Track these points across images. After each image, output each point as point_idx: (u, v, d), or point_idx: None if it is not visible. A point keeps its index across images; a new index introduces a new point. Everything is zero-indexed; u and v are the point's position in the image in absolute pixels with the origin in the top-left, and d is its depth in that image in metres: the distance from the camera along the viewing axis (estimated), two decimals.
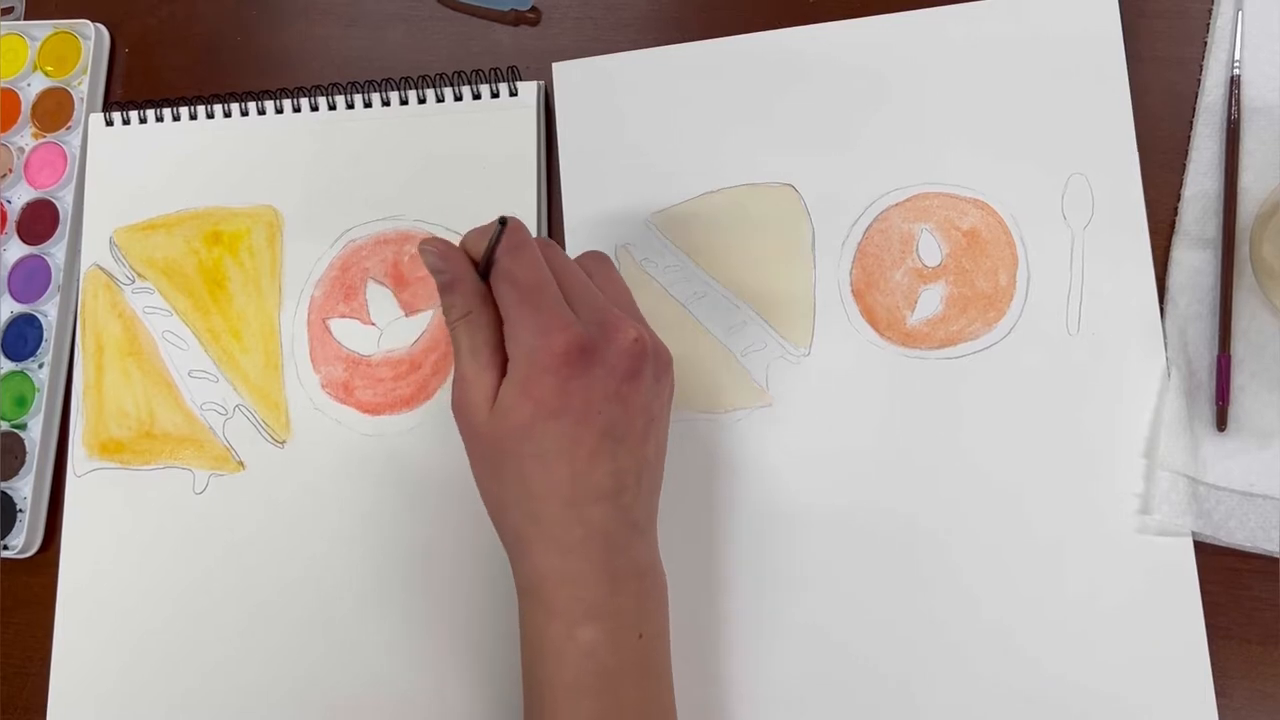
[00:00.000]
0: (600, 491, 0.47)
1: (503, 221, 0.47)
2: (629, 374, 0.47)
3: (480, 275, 0.49)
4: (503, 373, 0.48)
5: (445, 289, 0.49)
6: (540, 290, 0.47)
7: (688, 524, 0.57)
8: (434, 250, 0.49)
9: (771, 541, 0.57)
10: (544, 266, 0.48)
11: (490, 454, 0.48)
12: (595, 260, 0.52)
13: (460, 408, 0.49)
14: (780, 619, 0.56)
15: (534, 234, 0.61)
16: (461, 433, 0.50)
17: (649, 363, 0.48)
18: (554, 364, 0.46)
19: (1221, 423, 0.53)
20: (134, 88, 0.71)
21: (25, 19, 0.73)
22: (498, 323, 0.48)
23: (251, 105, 0.66)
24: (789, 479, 0.57)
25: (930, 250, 0.57)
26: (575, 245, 0.61)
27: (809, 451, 0.57)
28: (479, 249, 0.49)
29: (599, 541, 0.47)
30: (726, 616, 0.56)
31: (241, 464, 0.63)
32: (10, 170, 0.69)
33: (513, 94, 0.63)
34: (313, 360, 0.63)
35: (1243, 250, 0.54)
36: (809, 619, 0.56)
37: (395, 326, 0.63)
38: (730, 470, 0.57)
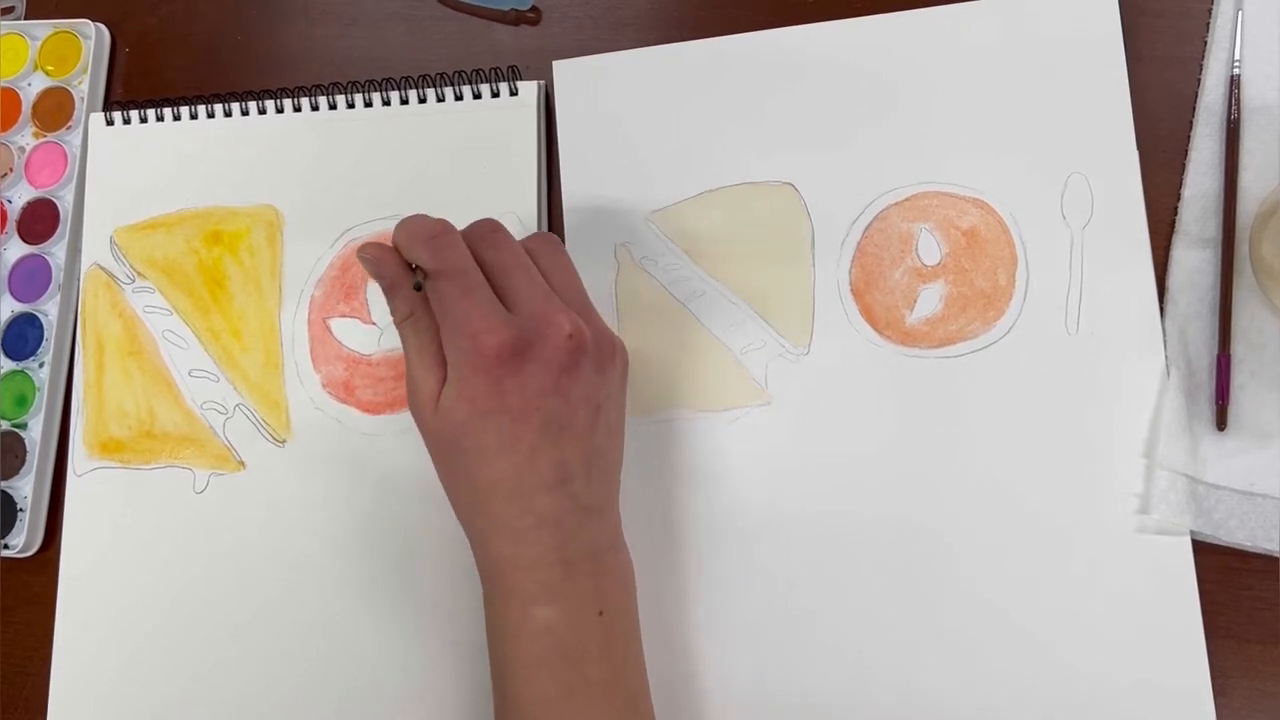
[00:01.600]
0: (544, 483, 0.48)
1: (418, 286, 0.50)
2: (566, 367, 0.48)
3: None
4: (445, 374, 0.49)
5: (387, 292, 0.51)
6: (469, 291, 0.48)
7: (686, 523, 0.57)
8: (370, 256, 0.51)
9: (770, 540, 0.57)
10: (470, 266, 0.49)
11: (439, 450, 0.50)
12: (542, 243, 0.53)
13: (412, 407, 0.51)
14: (778, 617, 0.56)
15: (534, 232, 0.61)
16: (419, 430, 0.51)
17: (587, 355, 0.49)
18: (485, 365, 0.47)
19: (1221, 422, 0.53)
20: (134, 87, 0.71)
21: (26, 18, 0.73)
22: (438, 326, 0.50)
23: (252, 105, 0.66)
24: (787, 478, 0.57)
25: (929, 249, 0.57)
26: (575, 243, 0.61)
27: (808, 450, 0.57)
28: (403, 248, 0.50)
29: (550, 528, 0.48)
30: (724, 614, 0.56)
31: (242, 463, 0.63)
32: (11, 170, 0.69)
33: (513, 93, 0.63)
34: (313, 359, 0.63)
35: (1242, 250, 0.54)
36: (807, 617, 0.56)
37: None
38: (729, 469, 0.57)
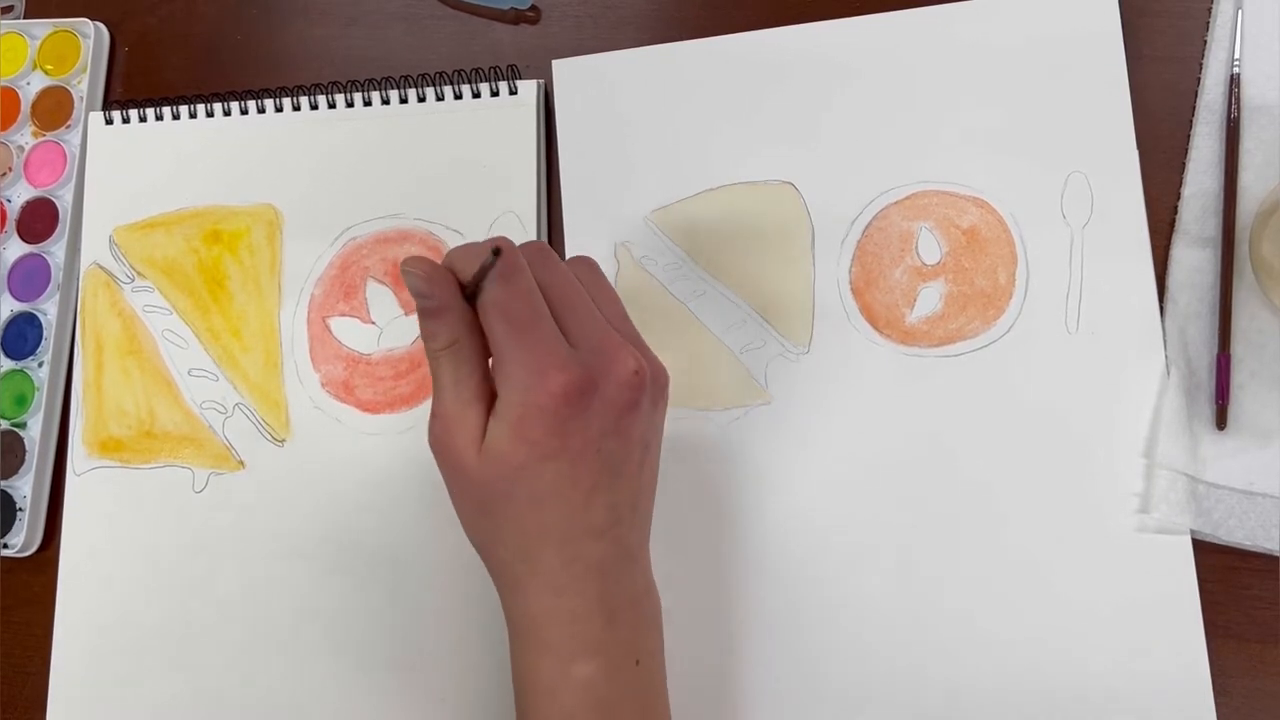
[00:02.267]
0: (596, 528, 0.45)
1: (496, 251, 0.42)
2: (627, 406, 0.45)
3: (466, 299, 0.45)
4: (489, 407, 0.45)
5: (429, 315, 0.45)
6: (534, 323, 0.44)
7: (685, 522, 0.57)
8: (419, 273, 0.44)
9: (769, 539, 0.57)
10: (537, 295, 0.45)
11: (479, 496, 0.46)
12: (584, 268, 0.49)
13: (443, 447, 0.46)
14: (777, 616, 0.56)
15: (534, 232, 0.61)
16: (443, 472, 0.46)
17: (646, 392, 0.46)
18: (551, 404, 0.43)
19: (1221, 421, 0.53)
20: (134, 86, 0.71)
21: (25, 17, 0.73)
22: (483, 352, 0.46)
23: (251, 104, 0.66)
24: (787, 477, 0.57)
25: (930, 248, 0.57)
26: (575, 243, 0.61)
27: (808, 449, 0.57)
28: (466, 270, 0.44)
29: (595, 577, 0.45)
30: (723, 614, 0.56)
31: (241, 463, 0.63)
32: (10, 169, 0.69)
33: (512, 92, 0.63)
34: (313, 359, 0.63)
35: (1242, 249, 0.54)
36: (806, 617, 0.56)
37: (395, 325, 0.63)
38: (728, 468, 0.57)
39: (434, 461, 0.46)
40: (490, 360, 0.45)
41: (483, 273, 0.43)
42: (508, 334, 0.44)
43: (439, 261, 0.45)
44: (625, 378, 0.44)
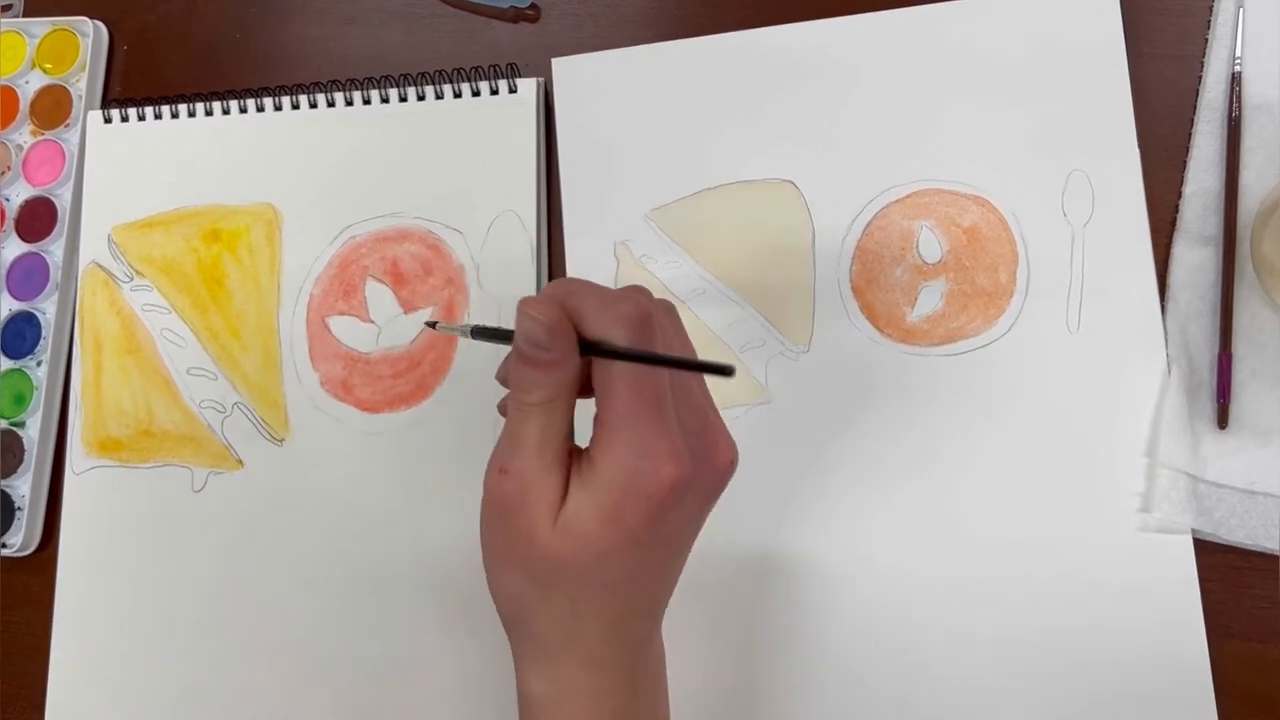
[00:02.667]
0: (650, 609, 0.44)
1: (729, 370, 0.36)
2: (715, 495, 0.43)
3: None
4: (568, 472, 0.41)
5: (538, 366, 0.40)
6: (660, 404, 0.40)
7: None
8: (543, 320, 0.39)
9: (768, 539, 0.56)
10: (665, 375, 0.40)
11: (540, 569, 0.41)
12: (668, 317, 0.43)
13: (513, 509, 0.41)
14: (776, 617, 0.56)
15: (533, 231, 0.61)
16: (501, 531, 0.42)
17: (728, 479, 0.43)
18: (658, 494, 0.39)
19: (1222, 420, 0.53)
20: (133, 85, 0.71)
21: (24, 16, 0.73)
22: (572, 411, 0.42)
23: (250, 103, 0.66)
24: (787, 476, 0.57)
25: (930, 247, 0.57)
26: (574, 242, 0.61)
27: (808, 448, 0.57)
28: (594, 329, 0.40)
29: (632, 654, 0.43)
30: (722, 614, 0.56)
31: (240, 462, 0.63)
32: (9, 168, 0.69)
33: (512, 91, 0.63)
34: (311, 358, 0.63)
35: (1243, 247, 0.54)
36: (805, 617, 0.56)
37: (394, 324, 0.62)
38: None
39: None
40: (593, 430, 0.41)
41: (669, 361, 0.40)
42: (631, 408, 0.39)
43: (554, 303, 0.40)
44: (724, 469, 0.42)
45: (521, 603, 0.43)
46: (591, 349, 0.40)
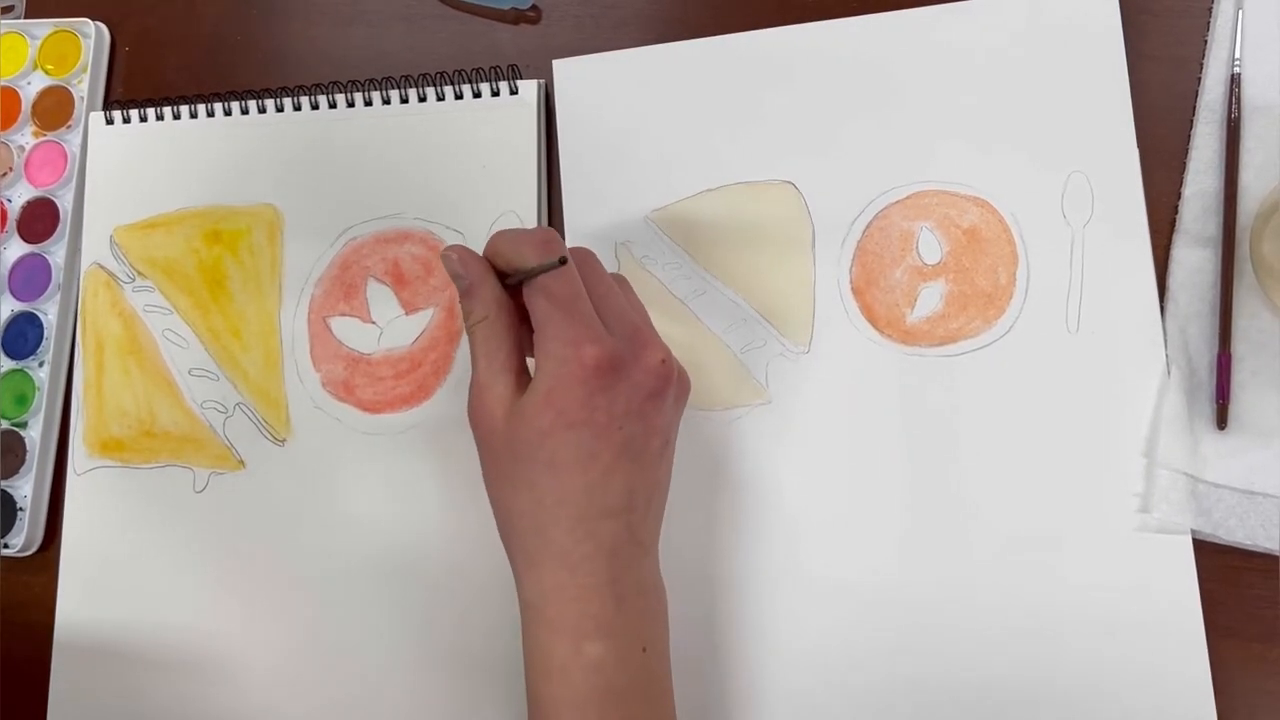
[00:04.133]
0: (611, 508, 0.47)
1: (562, 260, 0.47)
2: (653, 393, 0.47)
3: (505, 284, 0.49)
4: (519, 378, 0.48)
5: (465, 294, 0.50)
6: (575, 303, 0.47)
7: (684, 521, 0.57)
8: (455, 257, 0.50)
9: (769, 539, 0.57)
10: (579, 281, 0.48)
11: (504, 460, 0.48)
12: (620, 281, 0.52)
13: (476, 413, 0.49)
14: (777, 617, 0.56)
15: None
16: (476, 438, 0.49)
17: (673, 385, 0.48)
18: (583, 375, 0.46)
19: (1222, 421, 0.53)
20: (134, 86, 0.71)
21: (25, 17, 0.73)
22: (515, 329, 0.49)
23: (252, 104, 0.66)
24: (788, 476, 0.57)
25: (930, 248, 0.57)
26: (575, 242, 0.61)
27: (808, 449, 0.57)
28: (514, 260, 0.48)
29: (605, 558, 0.47)
30: (722, 614, 0.56)
31: (242, 462, 0.63)
32: (10, 169, 0.69)
33: (513, 92, 0.63)
34: (313, 358, 0.63)
35: (1243, 249, 0.54)
36: (805, 617, 0.56)
37: (395, 325, 0.63)
38: (728, 468, 0.57)
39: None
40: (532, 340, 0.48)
41: (541, 269, 0.47)
42: (549, 310, 0.47)
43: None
44: (654, 365, 0.47)
45: (501, 505, 0.49)
46: (504, 278, 0.49)
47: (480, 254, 0.50)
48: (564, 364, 0.46)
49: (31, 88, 0.71)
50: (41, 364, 0.67)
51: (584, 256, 0.50)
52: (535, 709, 0.48)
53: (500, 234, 0.50)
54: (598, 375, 0.46)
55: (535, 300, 0.47)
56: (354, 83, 0.65)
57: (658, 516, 0.50)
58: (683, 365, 0.50)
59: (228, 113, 0.67)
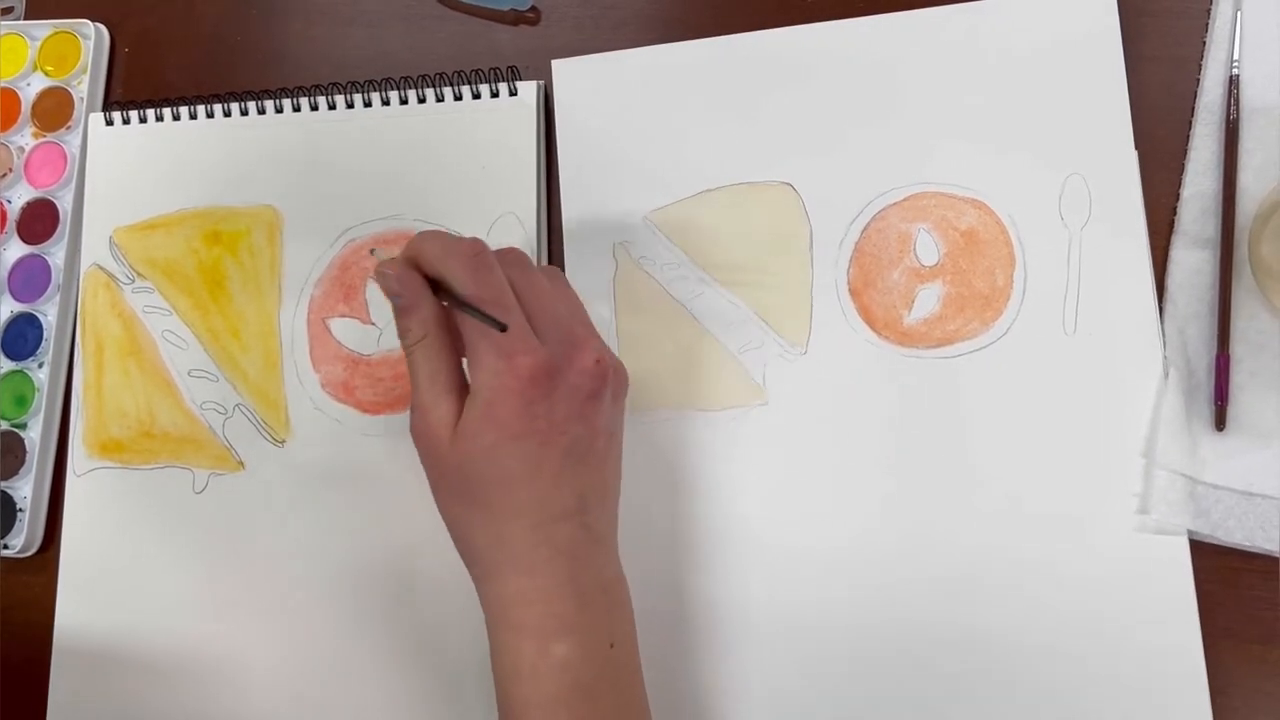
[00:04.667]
0: (565, 511, 0.47)
1: (503, 327, 0.46)
2: (591, 394, 0.48)
3: (439, 297, 0.49)
4: (461, 396, 0.48)
5: (401, 313, 0.49)
6: (506, 313, 0.47)
7: (683, 520, 0.57)
8: (391, 274, 0.49)
9: (766, 539, 0.57)
10: (507, 289, 0.48)
11: (453, 480, 0.48)
12: (550, 274, 0.52)
13: (420, 435, 0.49)
14: (774, 616, 0.56)
15: (534, 233, 0.61)
16: (423, 460, 0.49)
17: (609, 383, 0.49)
18: (518, 386, 0.46)
19: (1220, 422, 0.53)
20: (134, 87, 0.71)
21: (25, 18, 0.73)
22: (455, 347, 0.49)
23: (251, 105, 0.66)
24: (784, 477, 0.57)
25: (928, 250, 0.57)
26: (574, 243, 0.61)
27: (805, 450, 0.57)
28: (435, 268, 0.48)
29: (564, 559, 0.47)
30: (720, 614, 0.56)
31: (241, 463, 0.63)
32: (10, 170, 0.69)
33: (512, 93, 0.63)
34: (312, 359, 0.63)
35: (1241, 250, 0.54)
36: (801, 617, 0.56)
37: (395, 326, 0.62)
38: (726, 468, 0.57)
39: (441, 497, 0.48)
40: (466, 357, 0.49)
41: (478, 316, 0.47)
42: (480, 326, 0.46)
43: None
44: (588, 366, 0.48)
45: (456, 524, 0.49)
46: (439, 292, 0.48)
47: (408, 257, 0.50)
48: (498, 376, 0.46)
49: (31, 89, 0.71)
50: (41, 365, 0.67)
51: (514, 259, 0.50)
52: (506, 711, 0.48)
53: (425, 237, 0.49)
54: (533, 385, 0.46)
55: (466, 318, 0.47)
56: (353, 83, 0.65)
57: (612, 511, 0.51)
58: (619, 361, 0.50)
59: (227, 113, 0.67)
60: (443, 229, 0.62)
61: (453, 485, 0.48)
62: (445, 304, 0.48)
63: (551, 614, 0.47)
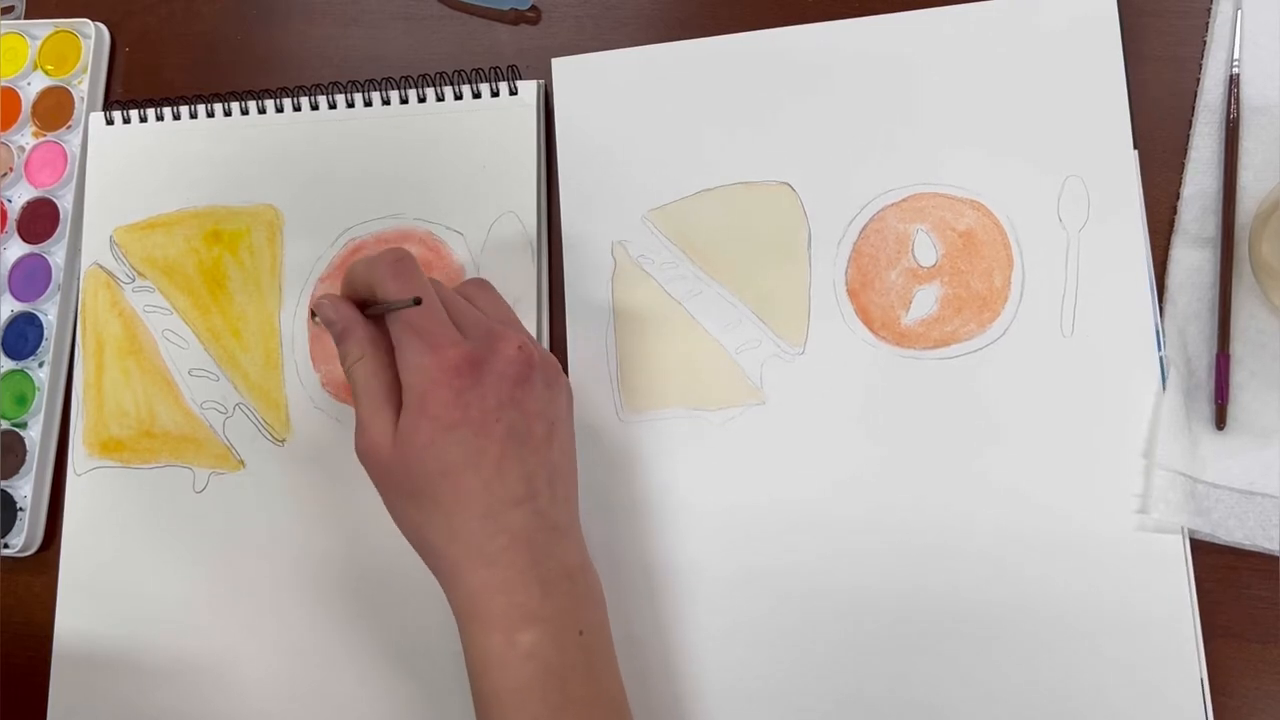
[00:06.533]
0: (514, 497, 0.48)
1: (417, 300, 0.49)
2: (519, 379, 0.49)
3: (367, 313, 0.52)
4: (399, 409, 0.49)
5: (339, 339, 0.52)
6: (431, 312, 0.49)
7: (680, 520, 0.57)
8: (327, 304, 0.53)
9: (762, 540, 0.57)
10: (429, 286, 0.50)
11: (400, 484, 0.49)
12: (476, 286, 0.55)
13: (363, 450, 0.50)
14: (771, 618, 0.56)
15: (533, 232, 0.61)
16: (370, 475, 0.51)
17: (537, 370, 0.50)
18: (445, 378, 0.48)
19: (1220, 421, 0.53)
20: (134, 86, 0.71)
21: (25, 18, 0.74)
22: (391, 364, 0.50)
23: (251, 104, 0.66)
24: (781, 477, 0.57)
25: (926, 251, 0.57)
26: (573, 241, 0.61)
27: (802, 450, 0.57)
28: (369, 285, 0.51)
29: (523, 547, 0.48)
30: (718, 613, 0.56)
31: (241, 462, 0.63)
32: (10, 169, 0.70)
33: (513, 93, 0.63)
34: (313, 359, 0.64)
35: (1242, 249, 0.54)
36: (798, 618, 0.56)
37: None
38: (722, 468, 0.57)
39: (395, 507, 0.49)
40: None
41: (398, 306, 0.49)
42: (404, 326, 0.49)
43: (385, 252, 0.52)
44: (511, 354, 0.49)
45: (412, 529, 0.50)
46: (366, 308, 0.52)
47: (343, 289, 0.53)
48: (426, 371, 0.48)
49: (31, 88, 0.71)
50: (41, 364, 0.67)
51: (433, 283, 0.52)
52: (480, 704, 0.48)
53: (354, 265, 0.52)
54: (459, 375, 0.48)
55: (394, 324, 0.50)
56: (354, 83, 0.65)
57: (567, 500, 0.51)
58: (548, 351, 0.52)
59: (228, 113, 0.67)
60: (440, 228, 0.62)
61: (400, 488, 0.50)
62: (374, 314, 0.51)
63: (515, 604, 0.47)
